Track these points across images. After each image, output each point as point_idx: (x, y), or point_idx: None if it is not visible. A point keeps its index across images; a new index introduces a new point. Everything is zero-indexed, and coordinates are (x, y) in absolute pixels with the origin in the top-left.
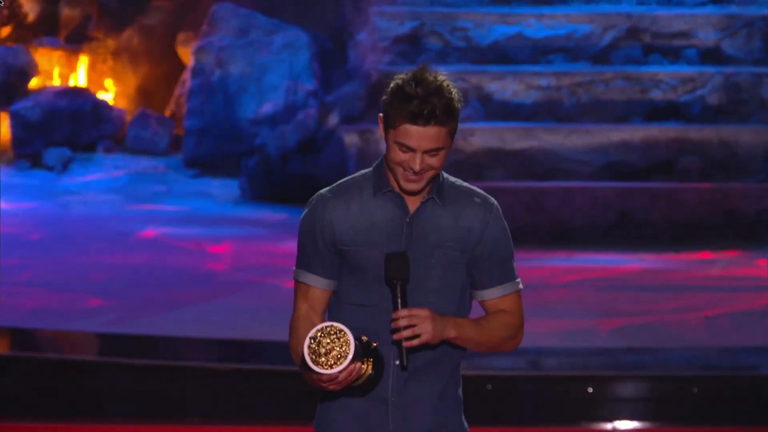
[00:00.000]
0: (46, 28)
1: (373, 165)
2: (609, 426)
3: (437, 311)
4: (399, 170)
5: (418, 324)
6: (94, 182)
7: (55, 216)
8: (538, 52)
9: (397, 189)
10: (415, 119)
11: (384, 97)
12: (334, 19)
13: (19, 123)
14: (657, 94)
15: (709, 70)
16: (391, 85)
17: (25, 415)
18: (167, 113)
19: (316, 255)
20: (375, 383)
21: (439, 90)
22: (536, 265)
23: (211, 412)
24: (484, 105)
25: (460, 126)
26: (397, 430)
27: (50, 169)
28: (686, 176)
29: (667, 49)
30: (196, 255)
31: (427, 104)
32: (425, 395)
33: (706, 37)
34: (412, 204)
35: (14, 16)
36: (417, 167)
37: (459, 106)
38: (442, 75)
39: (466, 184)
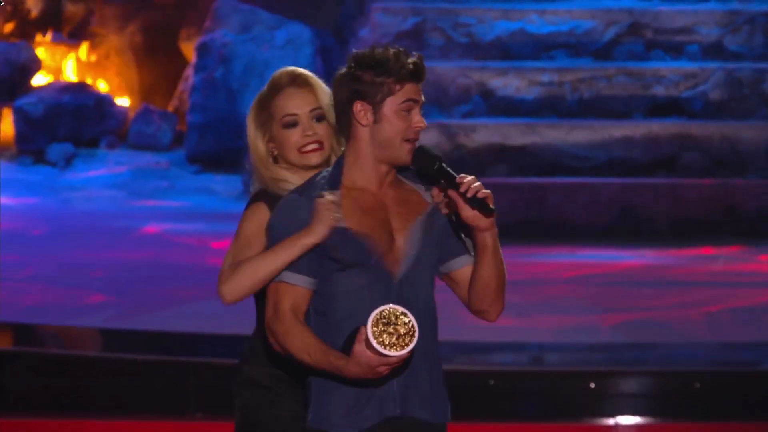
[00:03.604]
0: (49, 24)
1: (333, 164)
2: (611, 422)
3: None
4: (401, 137)
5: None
6: (97, 178)
7: (58, 212)
8: (541, 48)
9: (367, 185)
10: (415, 76)
11: (356, 84)
12: (337, 15)
13: (22, 119)
14: (659, 90)
15: (712, 65)
16: (364, 63)
17: (27, 411)
18: (170, 109)
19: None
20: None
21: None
22: (538, 261)
23: (214, 408)
24: (486, 101)
25: (462, 122)
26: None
27: (53, 164)
28: (688, 172)
29: (669, 44)
30: (199, 251)
31: (416, 60)
32: (421, 382)
33: (709, 32)
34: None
35: (17, 12)
36: (423, 122)
37: None
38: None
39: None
